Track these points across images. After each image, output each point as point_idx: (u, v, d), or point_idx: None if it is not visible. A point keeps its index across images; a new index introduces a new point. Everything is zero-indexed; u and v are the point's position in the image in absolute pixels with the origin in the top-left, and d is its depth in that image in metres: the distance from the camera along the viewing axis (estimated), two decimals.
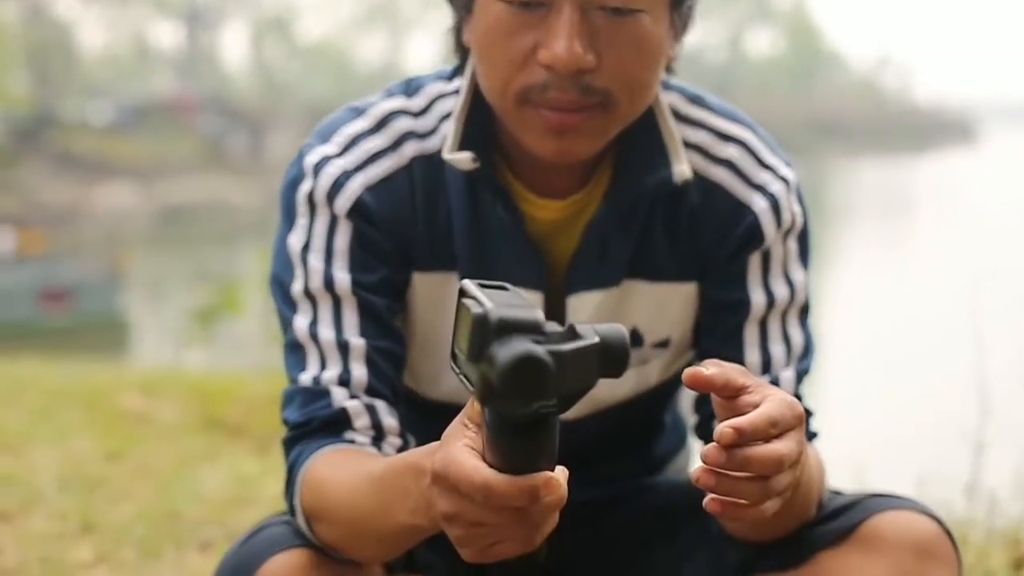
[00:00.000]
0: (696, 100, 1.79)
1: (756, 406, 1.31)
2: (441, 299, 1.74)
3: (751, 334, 1.73)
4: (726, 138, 1.76)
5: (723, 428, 1.27)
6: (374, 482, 1.46)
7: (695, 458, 1.95)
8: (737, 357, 1.72)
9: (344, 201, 1.71)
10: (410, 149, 1.74)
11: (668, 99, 1.76)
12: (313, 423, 1.67)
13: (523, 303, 1.13)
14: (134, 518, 3.19)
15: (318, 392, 1.68)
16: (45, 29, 45.59)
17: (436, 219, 1.73)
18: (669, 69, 1.72)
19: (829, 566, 1.64)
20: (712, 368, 1.34)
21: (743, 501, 1.31)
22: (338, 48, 66.09)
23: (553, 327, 1.12)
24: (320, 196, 1.71)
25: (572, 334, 1.13)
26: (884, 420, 5.20)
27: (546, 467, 1.17)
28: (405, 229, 1.72)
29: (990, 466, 3.33)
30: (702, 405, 1.77)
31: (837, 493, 1.74)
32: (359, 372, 1.68)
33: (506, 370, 1.06)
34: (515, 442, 1.15)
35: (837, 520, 1.67)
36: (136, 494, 3.51)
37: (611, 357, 1.14)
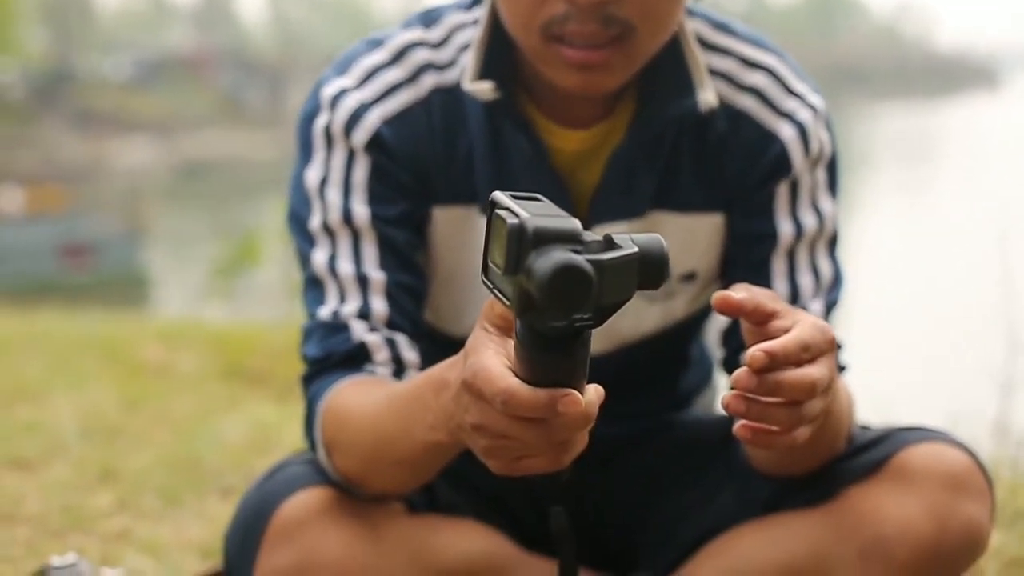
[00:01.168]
0: (722, 27, 1.75)
1: (786, 331, 1.28)
2: (462, 233, 1.71)
3: (779, 265, 1.70)
4: (752, 65, 1.73)
5: (754, 351, 1.24)
6: (393, 402, 1.45)
7: (721, 393, 1.92)
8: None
9: (362, 134, 1.68)
10: (429, 81, 1.71)
11: (693, 26, 1.72)
12: (332, 358, 1.65)
13: (559, 213, 1.09)
14: (154, 466, 3.18)
15: (337, 326, 1.66)
16: None
17: (456, 152, 1.70)
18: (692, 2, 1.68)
19: (859, 500, 1.62)
20: (742, 292, 1.32)
21: (774, 428, 1.28)
22: (356, 1, 65.89)
23: (591, 236, 1.08)
24: (337, 129, 1.69)
25: (610, 244, 1.09)
26: (912, 362, 5.17)
27: (578, 383, 1.13)
28: (424, 162, 1.69)
29: (1018, 405, 3.30)
30: (729, 338, 1.74)
31: (866, 428, 1.71)
32: (379, 306, 1.66)
33: (546, 281, 1.03)
34: (547, 356, 1.11)
35: (867, 454, 1.65)
36: (156, 442, 3.51)
37: (650, 267, 1.10)
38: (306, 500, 1.63)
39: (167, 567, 2.42)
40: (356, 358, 1.65)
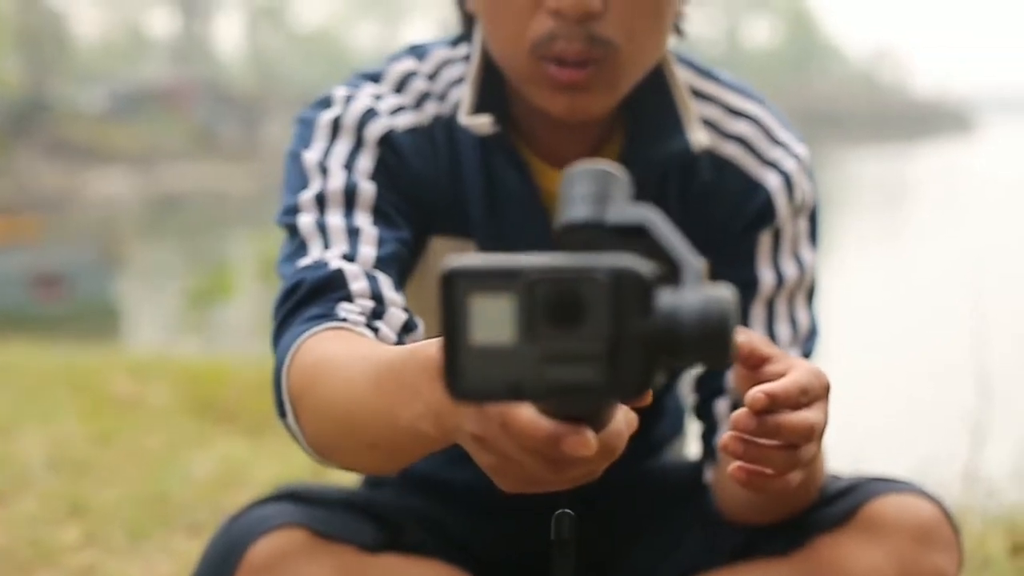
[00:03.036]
0: (707, 74, 1.76)
1: (781, 375, 1.27)
2: None
3: (758, 314, 1.70)
4: (738, 114, 1.73)
5: (755, 393, 1.23)
6: (376, 373, 1.22)
7: (691, 442, 1.93)
8: None
9: (375, 129, 1.64)
10: (430, 109, 1.70)
11: (680, 72, 1.72)
12: (302, 286, 1.50)
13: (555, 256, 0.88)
14: (122, 500, 3.16)
15: (314, 264, 1.52)
16: (38, 14, 45.51)
17: (455, 183, 1.68)
18: (678, 31, 1.69)
19: (828, 551, 1.61)
20: (739, 336, 1.30)
21: (769, 470, 1.27)
22: (332, 36, 66.06)
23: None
24: (349, 121, 1.64)
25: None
26: (883, 407, 5.19)
27: (599, 417, 0.95)
28: (429, 184, 1.66)
29: (989, 452, 3.31)
30: (703, 384, 1.74)
31: (835, 477, 1.72)
32: (366, 251, 1.54)
33: (702, 320, 0.84)
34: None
35: (836, 504, 1.65)
36: (125, 477, 3.49)
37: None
38: (276, 542, 1.61)
39: None
40: (330, 286, 1.49)
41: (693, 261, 0.88)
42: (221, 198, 34.40)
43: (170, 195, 35.17)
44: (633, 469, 1.90)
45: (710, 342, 0.84)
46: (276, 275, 1.59)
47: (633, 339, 0.83)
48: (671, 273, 0.89)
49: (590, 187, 0.92)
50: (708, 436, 1.73)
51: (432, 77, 1.71)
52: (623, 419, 0.99)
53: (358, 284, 1.50)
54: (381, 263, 1.54)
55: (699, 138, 1.68)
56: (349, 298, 1.48)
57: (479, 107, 1.66)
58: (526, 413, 0.94)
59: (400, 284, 1.56)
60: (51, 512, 3.05)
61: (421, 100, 1.69)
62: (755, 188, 1.70)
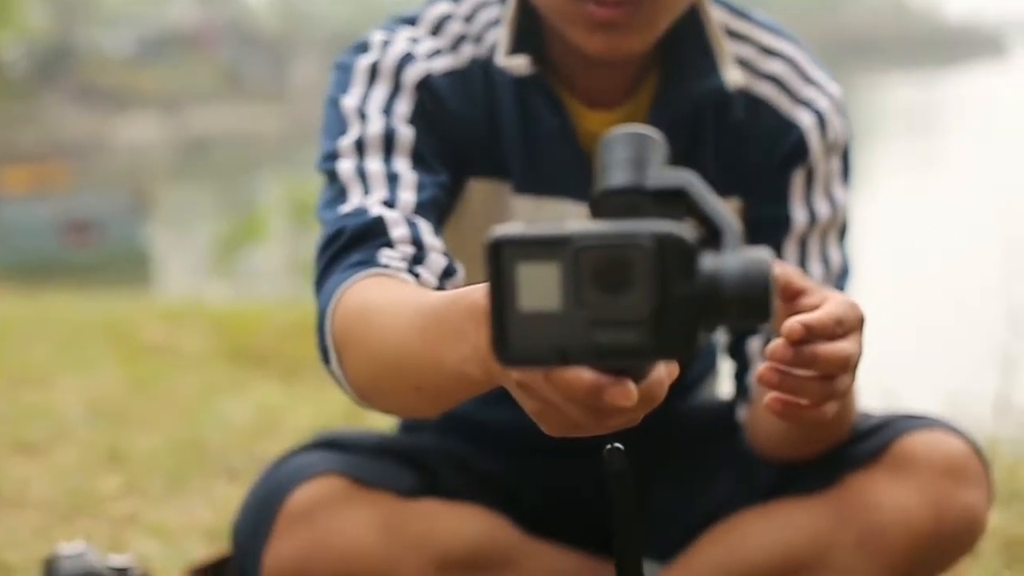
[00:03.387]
0: (741, 14, 1.76)
1: (816, 307, 1.28)
2: (493, 208, 1.70)
3: (791, 252, 1.71)
4: (771, 53, 1.74)
5: (792, 323, 1.24)
6: (422, 318, 1.23)
7: (724, 381, 1.94)
8: None
9: (413, 73, 1.65)
10: (467, 52, 1.70)
11: (714, 11, 1.73)
12: (344, 234, 1.52)
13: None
14: (160, 449, 3.20)
15: (355, 211, 1.54)
16: None
17: (492, 124, 1.69)
18: None
19: (858, 488, 1.64)
20: (775, 269, 1.31)
21: (804, 401, 1.29)
22: None
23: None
24: (386, 66, 1.65)
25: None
26: (915, 339, 5.18)
27: (641, 367, 0.97)
28: (465, 127, 1.68)
29: (1019, 384, 3.31)
30: None
31: (865, 415, 1.73)
32: (406, 196, 1.56)
33: (744, 282, 0.87)
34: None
35: (866, 441, 1.66)
36: (162, 425, 3.52)
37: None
38: (315, 489, 1.64)
39: (174, 551, 2.44)
40: (371, 233, 1.51)
41: (732, 224, 0.90)
42: (250, 140, 34.41)
43: (198, 138, 35.20)
44: (668, 409, 1.91)
45: (752, 304, 0.87)
46: (316, 220, 1.60)
47: (678, 303, 0.85)
48: (711, 235, 0.91)
49: (628, 152, 0.93)
50: (741, 374, 1.74)
51: (468, 19, 1.72)
52: (664, 368, 1.00)
53: (399, 230, 1.51)
54: (421, 208, 1.55)
55: (733, 77, 1.69)
56: (390, 244, 1.50)
57: (516, 48, 1.67)
58: (574, 372, 0.94)
59: (439, 228, 1.58)
60: (90, 461, 3.09)
61: (457, 43, 1.70)
62: (788, 127, 1.71)
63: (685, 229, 0.85)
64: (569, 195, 1.68)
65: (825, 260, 1.72)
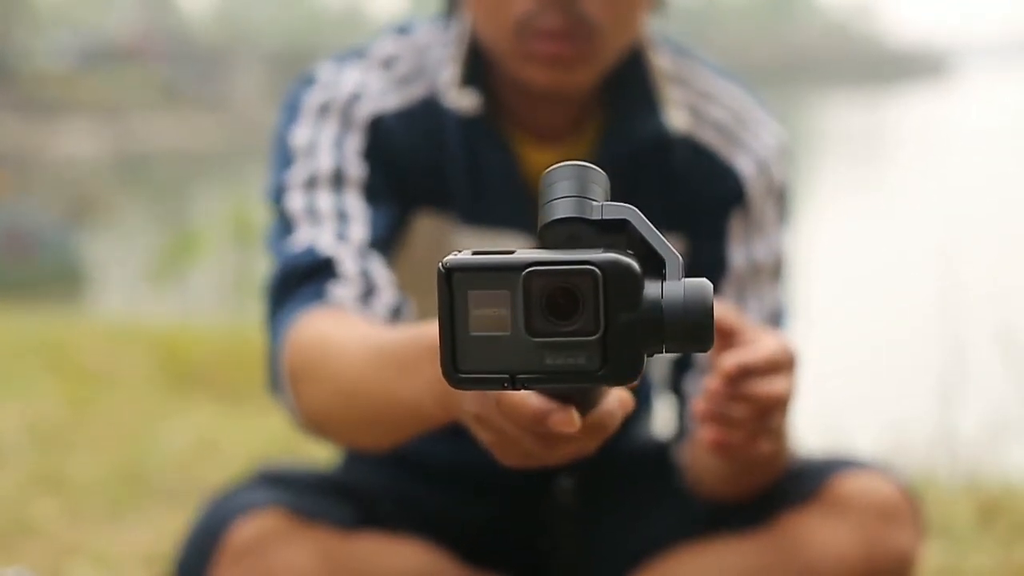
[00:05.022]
0: (687, 58, 1.78)
1: (751, 346, 1.32)
2: (435, 242, 1.71)
3: (729, 293, 1.73)
4: (714, 98, 1.76)
5: (726, 361, 1.28)
6: (377, 352, 1.29)
7: (658, 418, 1.95)
8: None
9: (362, 112, 1.67)
10: (416, 89, 1.72)
11: (660, 56, 1.75)
12: (296, 271, 1.55)
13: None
14: (100, 474, 3.17)
15: (304, 250, 1.57)
16: None
17: (439, 160, 1.71)
18: (656, 8, 1.70)
19: (793, 527, 1.66)
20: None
21: (738, 437, 1.33)
22: None
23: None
24: (337, 103, 1.67)
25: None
26: (856, 369, 5.23)
27: (587, 398, 1.01)
28: (415, 163, 1.69)
29: (959, 416, 3.34)
30: (676, 360, 1.76)
31: (800, 456, 1.75)
32: (357, 231, 1.59)
33: (705, 310, 0.90)
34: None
35: (801, 482, 1.69)
36: (102, 449, 3.49)
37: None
38: (258, 524, 1.64)
39: None
40: (322, 270, 1.54)
41: (674, 254, 0.93)
42: (190, 152, 34.21)
43: (137, 149, 34.94)
44: (605, 444, 1.92)
45: (694, 329, 0.90)
46: (266, 253, 1.63)
47: (624, 327, 0.88)
48: (653, 266, 0.93)
49: (571, 184, 0.96)
50: (679, 410, 1.76)
51: (417, 57, 1.73)
52: (616, 399, 1.03)
53: (349, 267, 1.54)
54: (370, 244, 1.58)
55: (677, 121, 1.71)
56: (340, 281, 1.53)
57: (463, 83, 1.68)
58: (521, 399, 0.99)
59: (389, 263, 1.61)
60: (28, 486, 3.06)
61: (406, 81, 1.72)
62: (728, 172, 1.73)
63: (631, 258, 0.89)
64: (513, 228, 1.70)
65: (763, 302, 1.74)
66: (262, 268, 1.65)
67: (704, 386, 1.31)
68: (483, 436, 1.11)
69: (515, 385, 0.90)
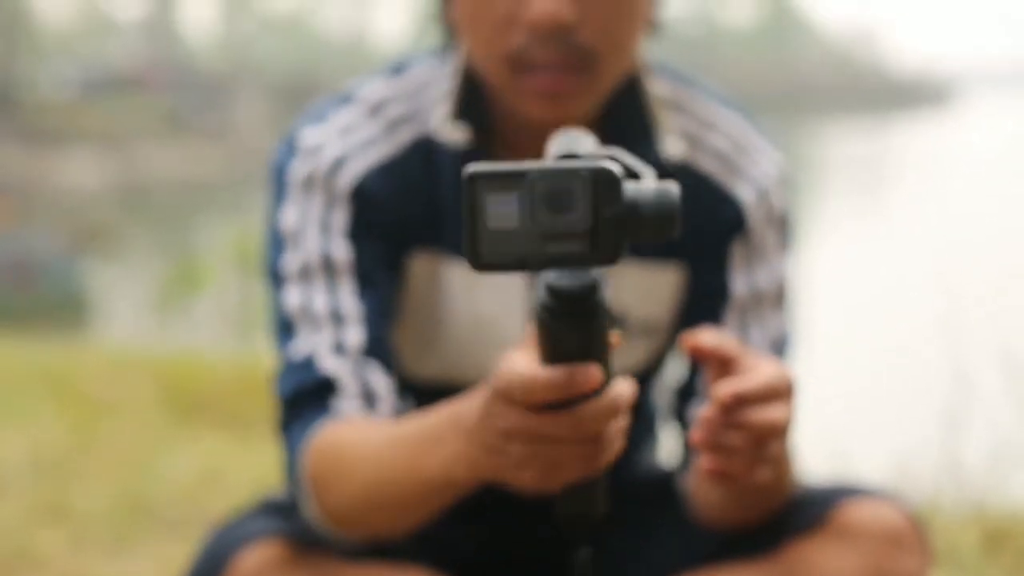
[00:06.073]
0: (687, 85, 1.78)
1: (749, 374, 1.33)
2: (432, 279, 1.73)
3: (732, 321, 1.72)
4: (714, 126, 1.75)
5: (723, 389, 1.29)
6: (399, 440, 1.42)
7: (664, 446, 1.95)
8: None
9: (345, 181, 1.69)
10: (405, 134, 1.72)
11: (659, 83, 1.74)
12: (302, 394, 1.63)
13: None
14: (105, 503, 3.17)
15: (306, 363, 1.64)
16: None
17: (433, 200, 1.71)
18: (652, 34, 1.71)
19: (799, 554, 1.65)
20: (709, 336, 1.37)
21: (736, 465, 1.33)
22: (303, 19, 65.79)
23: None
24: (319, 176, 1.69)
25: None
26: (860, 397, 5.22)
27: (600, 363, 1.16)
28: (403, 213, 1.70)
29: (965, 443, 3.33)
30: (680, 388, 1.76)
31: (806, 483, 1.75)
32: (353, 336, 1.64)
33: (672, 204, 1.12)
34: (564, 325, 1.15)
35: (807, 509, 1.68)
36: (106, 479, 3.49)
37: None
38: (261, 554, 1.64)
39: None
40: (325, 392, 1.62)
41: (647, 170, 1.18)
42: (193, 182, 34.27)
43: (141, 179, 35.01)
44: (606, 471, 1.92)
45: (662, 219, 1.12)
46: (271, 346, 1.70)
47: (609, 220, 1.09)
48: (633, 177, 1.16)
49: (567, 141, 1.23)
50: (683, 438, 1.75)
51: (409, 99, 1.73)
52: (623, 383, 1.20)
53: (349, 384, 1.61)
54: (369, 347, 1.64)
55: (675, 149, 1.71)
56: (343, 396, 1.61)
57: (458, 117, 1.69)
58: (543, 368, 1.15)
59: (389, 355, 1.65)
60: (32, 516, 3.05)
61: (395, 126, 1.72)
62: (729, 200, 1.73)
63: (613, 165, 1.09)
64: None
65: (766, 330, 1.74)
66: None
67: (700, 414, 1.31)
68: (513, 455, 1.22)
69: (524, 268, 1.09)
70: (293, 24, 64.64)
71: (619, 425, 1.23)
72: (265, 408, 1.64)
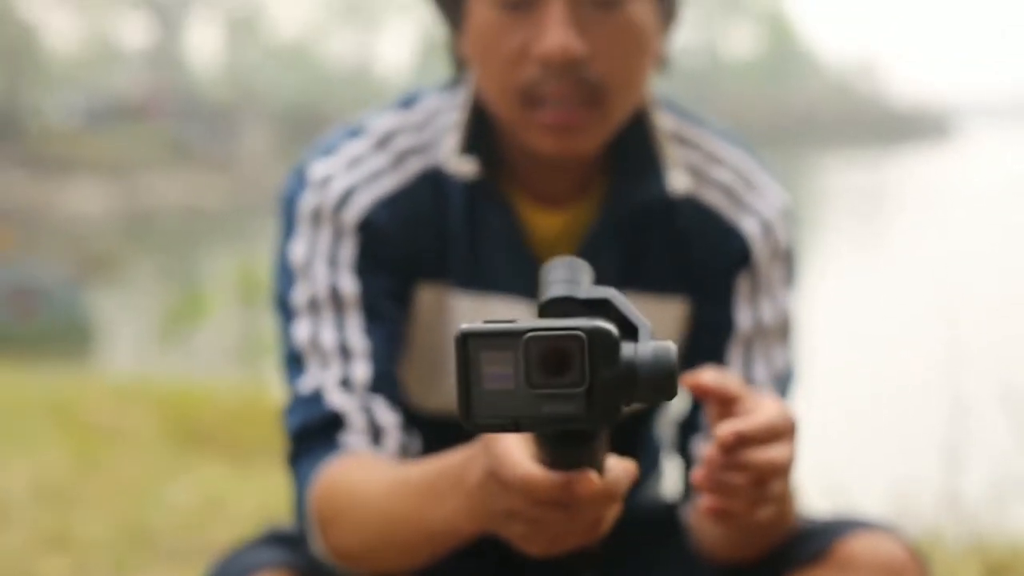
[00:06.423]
0: (692, 121, 1.79)
1: (751, 413, 1.34)
2: (439, 310, 1.73)
3: (736, 355, 1.73)
4: (719, 160, 1.77)
5: (724, 430, 1.29)
6: (404, 487, 1.44)
7: (668, 480, 1.95)
8: None
9: (352, 214, 1.70)
10: (413, 166, 1.73)
11: (664, 118, 1.76)
12: (310, 428, 1.64)
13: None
14: (107, 532, 3.17)
15: (314, 397, 1.65)
16: (10, 26, 45.34)
17: (440, 233, 1.72)
18: (660, 69, 1.72)
19: None
20: (711, 375, 1.38)
21: (737, 504, 1.33)
22: (308, 47, 65.92)
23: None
24: (327, 209, 1.70)
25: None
26: (860, 430, 5.22)
27: (597, 462, 1.16)
28: (412, 243, 1.71)
29: (965, 475, 3.34)
30: (686, 422, 1.77)
31: (808, 518, 1.75)
32: (360, 371, 1.66)
33: (668, 366, 1.08)
34: (561, 440, 1.15)
35: (808, 543, 1.68)
36: (109, 507, 3.49)
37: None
38: None
39: None
40: (332, 427, 1.63)
41: (646, 323, 1.13)
42: (197, 211, 34.30)
43: (145, 207, 35.03)
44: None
45: (660, 382, 1.09)
46: (281, 379, 1.71)
47: (605, 381, 1.07)
48: (628, 333, 1.13)
49: (564, 272, 1.18)
50: (686, 474, 1.76)
51: (420, 128, 1.75)
52: (620, 468, 1.19)
53: (356, 419, 1.63)
54: (375, 381, 1.65)
55: (680, 183, 1.72)
56: (351, 431, 1.62)
57: (466, 149, 1.70)
58: (540, 474, 1.16)
59: (395, 387, 1.67)
60: (35, 544, 3.06)
61: (403, 158, 1.73)
62: (733, 233, 1.74)
63: (610, 325, 1.07)
64: (513, 293, 1.71)
65: (770, 365, 1.75)
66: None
67: (702, 454, 1.32)
68: (515, 530, 1.25)
69: (519, 429, 1.08)
70: (298, 54, 64.77)
71: (617, 508, 1.24)
72: (267, 437, 1.64)
